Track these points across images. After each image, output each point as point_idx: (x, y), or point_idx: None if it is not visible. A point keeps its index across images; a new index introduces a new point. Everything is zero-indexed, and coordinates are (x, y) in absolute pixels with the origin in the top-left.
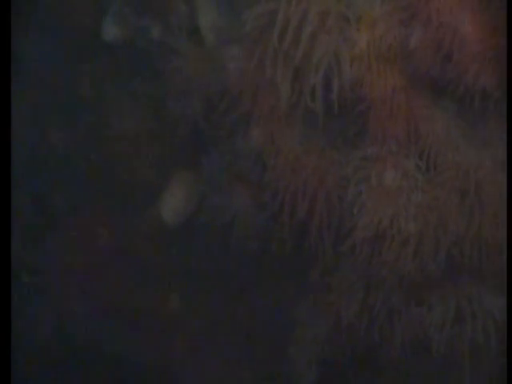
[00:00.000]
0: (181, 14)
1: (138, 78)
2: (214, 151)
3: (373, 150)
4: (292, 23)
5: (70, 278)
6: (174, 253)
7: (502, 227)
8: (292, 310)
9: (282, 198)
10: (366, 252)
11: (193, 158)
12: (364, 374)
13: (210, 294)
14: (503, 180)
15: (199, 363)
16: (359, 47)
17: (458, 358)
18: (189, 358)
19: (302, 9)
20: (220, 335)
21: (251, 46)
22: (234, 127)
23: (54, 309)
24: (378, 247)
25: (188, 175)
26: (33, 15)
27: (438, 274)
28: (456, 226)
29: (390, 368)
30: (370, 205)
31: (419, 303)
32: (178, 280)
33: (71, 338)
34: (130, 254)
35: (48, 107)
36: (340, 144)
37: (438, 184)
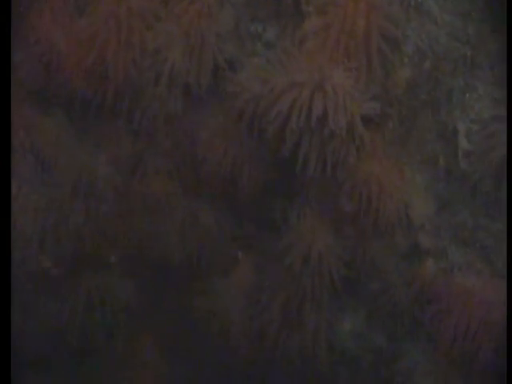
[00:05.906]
0: None
1: None
2: None
3: None
4: None
5: None
6: None
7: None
8: None
9: None
10: None
11: None
12: None
13: None
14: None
15: None
16: None
17: (92, 344)
18: None
19: None
20: None
21: None
22: None
23: None
24: None
25: None
26: None
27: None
28: (75, 223)
29: (31, 363)
30: None
31: (49, 297)
32: None
33: None
34: None
35: None
36: None
37: (54, 185)
